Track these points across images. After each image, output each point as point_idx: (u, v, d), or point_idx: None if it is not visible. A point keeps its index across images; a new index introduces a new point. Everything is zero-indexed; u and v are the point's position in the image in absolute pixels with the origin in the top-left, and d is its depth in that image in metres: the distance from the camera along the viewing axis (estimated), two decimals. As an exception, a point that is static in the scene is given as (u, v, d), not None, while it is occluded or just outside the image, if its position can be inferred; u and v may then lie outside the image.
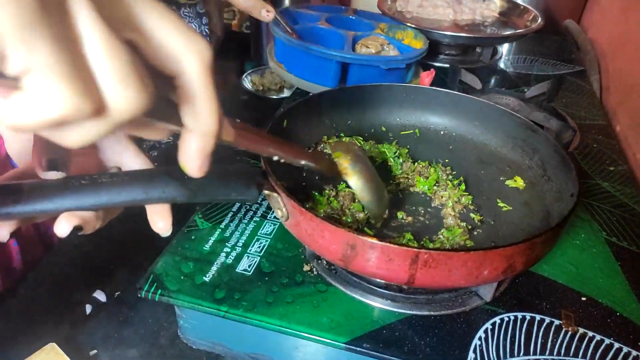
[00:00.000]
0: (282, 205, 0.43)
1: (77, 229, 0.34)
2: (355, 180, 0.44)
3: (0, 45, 0.18)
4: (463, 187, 0.54)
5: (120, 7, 0.22)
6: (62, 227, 0.33)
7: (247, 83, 1.03)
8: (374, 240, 0.38)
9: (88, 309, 0.55)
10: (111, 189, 0.36)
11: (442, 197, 0.52)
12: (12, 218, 0.33)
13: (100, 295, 0.56)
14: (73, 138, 0.23)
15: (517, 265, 0.40)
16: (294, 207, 0.41)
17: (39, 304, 0.55)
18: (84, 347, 0.51)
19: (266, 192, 0.43)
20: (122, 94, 0.21)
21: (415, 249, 0.37)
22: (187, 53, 0.24)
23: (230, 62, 1.80)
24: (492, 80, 0.98)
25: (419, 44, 0.86)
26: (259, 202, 0.59)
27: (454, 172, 0.58)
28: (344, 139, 0.58)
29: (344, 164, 0.44)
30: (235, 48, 1.35)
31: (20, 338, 0.51)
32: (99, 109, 0.21)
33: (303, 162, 0.40)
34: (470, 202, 0.52)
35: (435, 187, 0.54)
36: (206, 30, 0.92)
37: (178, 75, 0.25)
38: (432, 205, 0.53)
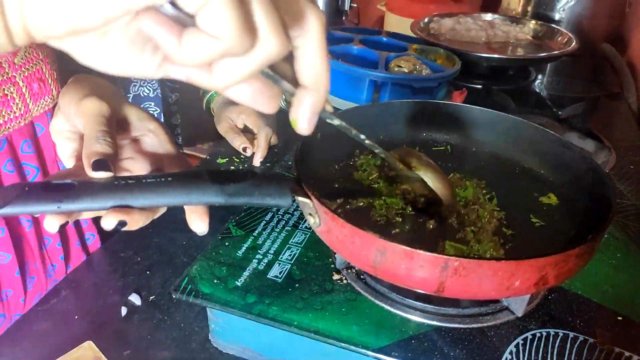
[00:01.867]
0: (314, 212, 0.44)
1: (121, 223, 0.36)
2: (426, 172, 0.47)
3: None
4: (495, 201, 0.54)
5: None
6: (109, 221, 0.35)
7: (281, 102, 1.05)
8: (404, 247, 0.38)
9: (123, 311, 0.57)
10: (155, 190, 0.38)
11: (475, 210, 0.52)
12: (61, 212, 0.36)
13: (135, 299, 0.58)
14: (225, 76, 0.27)
15: (550, 278, 0.40)
16: (326, 213, 0.42)
17: (78, 305, 0.58)
18: (118, 347, 0.52)
19: (299, 198, 0.44)
20: (273, 39, 0.25)
21: (445, 256, 0.37)
22: (312, 14, 0.28)
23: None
24: (526, 102, 0.98)
25: (451, 65, 0.87)
26: (290, 211, 0.60)
27: (486, 188, 0.58)
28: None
29: (415, 161, 0.47)
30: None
31: (60, 335, 0.54)
32: (252, 47, 0.25)
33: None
34: (502, 217, 0.52)
35: (468, 200, 0.54)
36: None
37: (303, 34, 0.28)
38: (465, 217, 0.53)
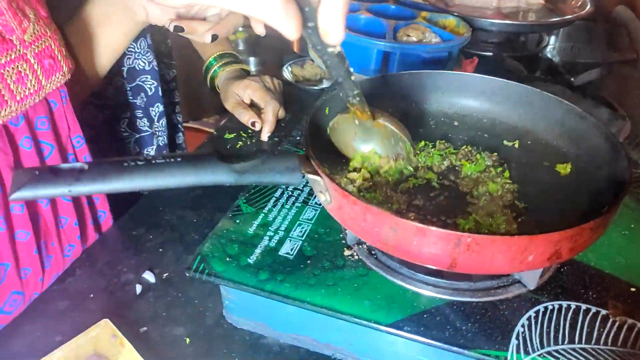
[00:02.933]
0: (324, 189, 0.44)
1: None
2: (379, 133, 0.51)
3: None
4: (507, 174, 0.53)
5: None
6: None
7: (288, 74, 1.04)
8: (416, 223, 0.38)
9: (138, 289, 0.58)
10: (165, 171, 0.37)
11: (487, 182, 0.52)
12: (74, 194, 0.36)
13: (149, 276, 0.59)
14: None
15: (564, 252, 0.40)
16: (336, 190, 0.42)
17: (93, 283, 0.59)
18: (134, 324, 0.53)
19: (309, 176, 0.44)
20: None
21: (458, 233, 0.37)
22: None
23: (270, 53, 1.82)
24: (538, 69, 0.96)
25: (462, 32, 0.85)
26: (300, 188, 0.60)
27: (498, 161, 0.57)
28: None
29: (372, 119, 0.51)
30: (275, 40, 1.37)
31: (77, 314, 0.55)
32: None
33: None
34: (515, 190, 0.52)
35: (479, 173, 0.53)
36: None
37: None
38: (478, 189, 0.53)
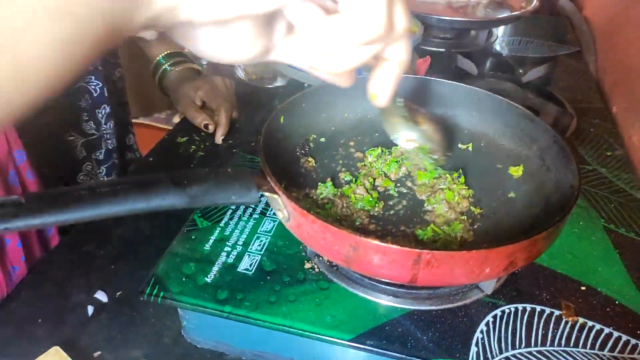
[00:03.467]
0: (282, 207, 0.43)
1: None
2: (427, 126, 0.52)
3: None
4: (463, 179, 0.54)
5: None
6: None
7: (240, 72, 1.01)
8: (377, 242, 0.38)
9: (90, 310, 0.55)
10: (111, 200, 0.35)
11: (444, 190, 0.52)
12: (12, 231, 0.33)
13: (101, 296, 0.56)
14: (350, 60, 0.29)
15: (519, 261, 0.40)
16: (295, 209, 0.41)
17: (41, 307, 0.55)
18: (88, 348, 0.51)
19: (266, 193, 0.42)
20: (404, 24, 0.29)
21: (417, 250, 0.37)
22: None
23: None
24: (488, 64, 0.97)
25: (413, 29, 0.85)
26: (257, 198, 0.59)
27: (451, 164, 0.57)
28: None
29: (417, 116, 0.52)
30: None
31: (23, 342, 0.52)
32: (391, 32, 0.28)
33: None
34: (470, 195, 0.52)
35: (434, 180, 0.54)
36: None
37: None
38: (435, 197, 0.53)
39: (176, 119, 1.98)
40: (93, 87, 0.82)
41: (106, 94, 0.83)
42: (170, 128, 0.90)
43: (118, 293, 0.57)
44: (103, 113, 0.84)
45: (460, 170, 0.55)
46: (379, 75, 0.32)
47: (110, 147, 0.86)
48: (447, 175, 0.54)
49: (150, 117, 2.06)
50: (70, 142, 0.82)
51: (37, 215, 0.33)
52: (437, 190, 0.52)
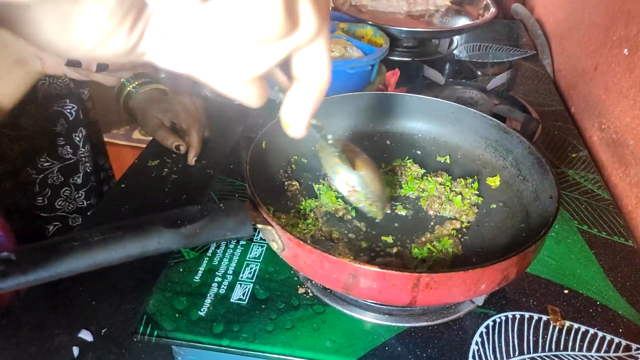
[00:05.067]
0: (277, 238, 0.42)
1: None
2: (366, 172, 0.47)
3: None
4: (476, 185, 0.55)
5: None
6: None
7: (209, 90, 1.00)
8: (376, 268, 0.38)
9: (75, 351, 0.53)
10: (105, 249, 0.34)
11: (435, 205, 0.54)
12: (3, 292, 0.32)
13: (86, 335, 0.54)
14: (248, 68, 0.23)
15: (511, 275, 0.42)
16: (290, 239, 0.41)
17: (22, 354, 0.53)
18: (76, 393, 0.49)
19: (259, 226, 0.42)
20: (312, 23, 0.23)
21: (416, 274, 0.38)
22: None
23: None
24: (451, 71, 1.00)
25: (380, 41, 0.86)
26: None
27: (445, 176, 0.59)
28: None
29: (356, 159, 0.48)
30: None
31: (7, 393, 0.49)
32: (293, 30, 0.22)
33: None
34: (477, 203, 0.54)
35: (424, 193, 0.55)
36: None
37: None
38: (423, 211, 0.54)
39: (136, 135, 1.93)
40: (68, 110, 0.79)
41: (81, 116, 0.80)
42: (130, 144, 0.88)
43: (103, 330, 0.55)
44: (80, 136, 0.82)
45: (476, 177, 0.57)
46: (291, 98, 0.27)
47: (88, 170, 0.84)
48: (462, 180, 0.55)
49: (108, 134, 2.00)
50: (46, 168, 0.79)
51: (30, 272, 0.32)
52: (429, 205, 0.53)
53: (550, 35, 1.13)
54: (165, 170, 0.80)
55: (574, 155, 0.74)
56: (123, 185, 0.77)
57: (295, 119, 0.27)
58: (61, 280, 0.61)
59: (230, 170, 0.69)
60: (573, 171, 0.70)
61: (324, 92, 0.27)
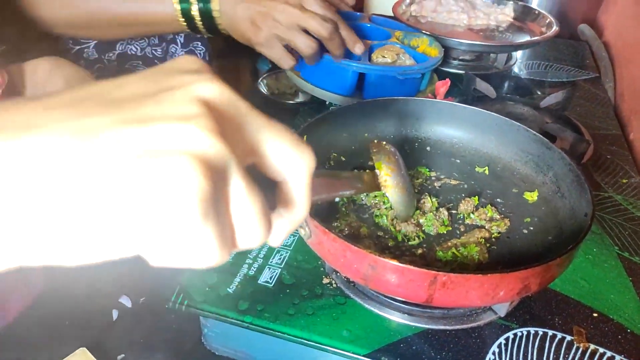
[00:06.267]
0: (305, 224, 0.45)
1: None
2: (393, 194, 0.46)
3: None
4: (490, 211, 0.55)
5: (247, 141, 0.24)
6: None
7: (263, 87, 1.04)
8: (394, 262, 0.39)
9: (114, 314, 0.57)
10: None
11: (467, 212, 0.54)
12: None
13: (126, 301, 0.59)
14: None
15: (532, 286, 0.42)
16: (317, 226, 0.43)
17: (69, 310, 0.58)
18: (111, 351, 0.53)
19: (290, 211, 0.44)
20: (254, 238, 0.24)
21: (434, 272, 0.39)
22: (298, 164, 0.26)
23: (244, 62, 1.81)
24: (506, 87, 0.99)
25: (434, 52, 0.87)
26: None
27: (469, 187, 0.59)
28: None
29: (385, 176, 0.46)
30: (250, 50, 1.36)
31: (52, 343, 0.54)
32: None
33: (347, 193, 0.41)
34: (492, 215, 0.54)
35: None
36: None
37: (286, 181, 0.26)
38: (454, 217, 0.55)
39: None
40: (199, 51, 0.90)
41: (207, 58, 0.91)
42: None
43: (142, 299, 0.59)
44: None
45: (478, 196, 0.57)
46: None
47: None
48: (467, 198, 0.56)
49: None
50: None
51: None
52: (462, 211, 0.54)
53: (617, 58, 1.09)
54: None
55: (624, 181, 0.71)
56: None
57: (276, 240, 0.29)
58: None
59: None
60: (621, 197, 0.68)
61: (300, 222, 0.29)
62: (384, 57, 0.80)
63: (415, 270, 0.39)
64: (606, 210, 0.65)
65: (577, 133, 0.77)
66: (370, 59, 0.80)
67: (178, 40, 0.92)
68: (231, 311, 0.48)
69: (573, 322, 0.50)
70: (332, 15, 0.67)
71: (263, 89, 1.03)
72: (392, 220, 0.52)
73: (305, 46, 0.67)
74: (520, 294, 0.42)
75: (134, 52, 0.85)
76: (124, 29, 0.73)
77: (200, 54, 0.96)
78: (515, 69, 1.06)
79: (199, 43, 0.95)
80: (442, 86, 0.80)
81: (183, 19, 0.70)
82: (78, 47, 0.79)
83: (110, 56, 0.82)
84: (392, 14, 1.06)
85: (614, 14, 1.21)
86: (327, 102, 0.87)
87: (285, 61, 0.71)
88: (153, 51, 0.88)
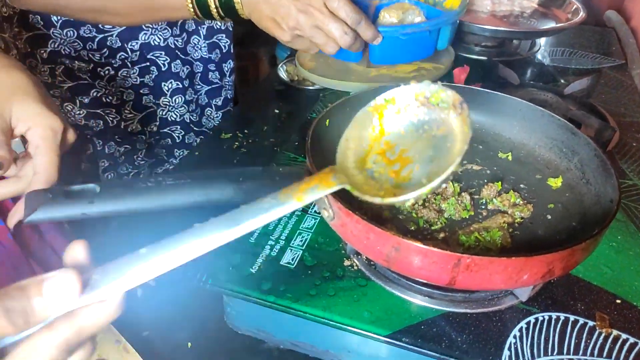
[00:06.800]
0: (328, 206, 0.45)
1: None
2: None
3: None
4: (513, 197, 0.54)
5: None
6: None
7: (283, 73, 1.04)
8: (419, 244, 0.40)
9: (139, 292, 0.59)
10: (175, 192, 0.38)
11: (489, 197, 0.54)
12: (87, 217, 0.36)
13: (150, 280, 0.60)
14: None
15: (556, 270, 0.42)
16: (340, 208, 0.43)
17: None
18: (137, 328, 0.55)
19: (314, 192, 0.45)
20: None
21: (458, 254, 0.39)
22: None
23: (263, 50, 1.80)
24: (529, 73, 0.97)
25: (455, 4, 0.82)
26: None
27: (492, 173, 0.59)
28: None
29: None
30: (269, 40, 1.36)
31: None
32: None
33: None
34: (515, 200, 0.54)
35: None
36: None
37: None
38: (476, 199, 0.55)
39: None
40: (223, 44, 0.94)
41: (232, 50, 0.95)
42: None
43: (166, 277, 0.60)
44: (228, 67, 0.98)
45: (500, 182, 0.56)
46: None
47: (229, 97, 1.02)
48: (491, 184, 0.55)
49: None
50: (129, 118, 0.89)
51: (109, 203, 0.36)
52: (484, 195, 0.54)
53: (645, 45, 1.06)
54: (236, 143, 0.85)
55: (650, 169, 0.70)
56: (197, 153, 0.83)
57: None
58: (136, 224, 0.67)
59: (295, 146, 0.73)
60: (647, 185, 0.67)
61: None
62: (390, 16, 0.77)
63: (439, 253, 0.39)
64: (631, 198, 0.64)
65: (602, 120, 0.76)
66: (375, 19, 0.77)
67: (201, 32, 0.92)
68: (254, 290, 0.49)
69: (596, 308, 0.49)
70: (355, 13, 0.66)
71: (283, 75, 1.03)
72: (413, 205, 0.52)
73: (329, 47, 0.67)
74: (545, 278, 0.42)
75: (157, 43, 0.85)
76: (125, 16, 0.73)
77: (225, 46, 0.97)
78: (539, 56, 1.04)
79: (223, 35, 0.96)
80: (462, 73, 0.79)
81: (191, 5, 0.69)
82: (102, 36, 0.80)
83: (133, 45, 0.83)
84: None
85: (643, -1, 1.18)
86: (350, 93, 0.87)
87: (325, 48, 0.69)
88: (175, 41, 0.89)
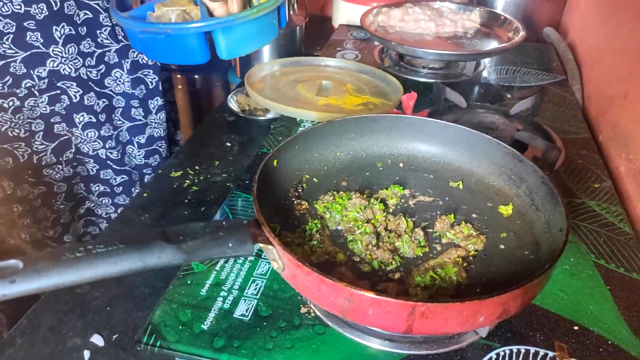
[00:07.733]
0: (277, 257, 0.43)
1: None
2: None
3: None
4: (466, 229, 0.54)
5: None
6: None
7: (233, 104, 1.02)
8: (372, 295, 0.38)
9: (86, 354, 0.55)
10: (107, 260, 0.36)
11: (443, 230, 0.53)
12: (8, 298, 0.33)
13: (98, 340, 0.56)
14: None
15: (512, 309, 0.41)
16: (290, 260, 0.42)
17: (36, 353, 0.55)
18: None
19: (261, 245, 0.43)
20: None
21: (412, 302, 0.38)
22: None
23: (215, 76, 1.78)
24: (476, 93, 0.99)
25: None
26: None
27: (444, 203, 0.58)
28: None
29: None
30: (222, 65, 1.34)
31: (19, 392, 0.51)
32: None
33: None
34: (468, 232, 0.53)
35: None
36: None
37: None
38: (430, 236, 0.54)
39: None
40: (149, 81, 0.91)
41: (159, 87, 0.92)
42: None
43: (114, 336, 0.57)
44: (155, 104, 0.95)
45: (454, 213, 0.56)
46: None
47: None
48: (444, 217, 0.55)
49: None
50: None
51: (34, 280, 0.33)
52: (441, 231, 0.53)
53: (582, 60, 1.11)
54: (187, 182, 0.82)
55: (597, 185, 0.72)
56: (145, 194, 0.80)
57: None
58: (78, 285, 0.63)
59: (246, 185, 0.71)
60: (595, 202, 0.69)
61: None
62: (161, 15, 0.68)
63: (393, 302, 0.38)
64: (580, 218, 0.66)
65: (548, 139, 0.78)
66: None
67: (124, 66, 0.89)
68: (206, 350, 0.47)
69: (554, 337, 0.49)
70: None
71: (233, 106, 1.02)
72: (367, 246, 0.51)
73: None
74: (501, 318, 0.41)
75: (67, 73, 0.81)
76: None
77: (151, 82, 0.93)
78: (485, 74, 1.06)
79: (150, 71, 0.91)
80: (410, 99, 0.79)
81: None
82: (3, 62, 0.73)
83: (40, 72, 0.78)
84: (359, 25, 1.06)
85: (578, 15, 1.23)
86: (297, 119, 0.86)
87: None
88: (88, 72, 0.85)
